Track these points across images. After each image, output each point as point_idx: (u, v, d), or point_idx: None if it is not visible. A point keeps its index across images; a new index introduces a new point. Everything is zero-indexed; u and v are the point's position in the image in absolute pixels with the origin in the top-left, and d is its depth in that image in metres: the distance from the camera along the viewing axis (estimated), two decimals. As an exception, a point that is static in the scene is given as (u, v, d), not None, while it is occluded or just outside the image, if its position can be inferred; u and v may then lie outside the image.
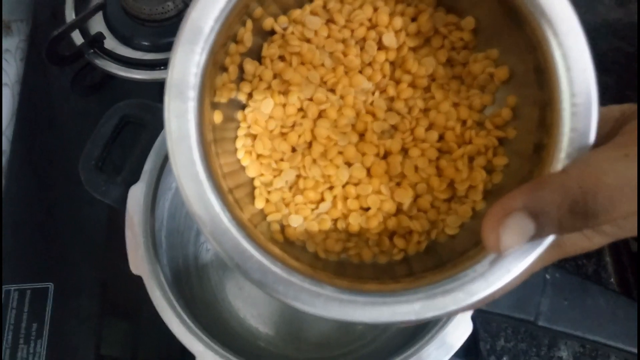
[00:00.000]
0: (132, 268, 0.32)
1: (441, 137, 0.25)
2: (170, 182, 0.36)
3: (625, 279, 0.41)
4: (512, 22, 0.22)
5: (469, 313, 0.30)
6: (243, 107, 0.26)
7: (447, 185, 0.25)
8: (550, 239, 0.20)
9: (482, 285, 0.20)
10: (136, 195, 0.33)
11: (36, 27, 0.53)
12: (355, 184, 0.25)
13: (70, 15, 0.49)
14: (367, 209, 0.25)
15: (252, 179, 0.26)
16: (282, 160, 0.26)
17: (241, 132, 0.26)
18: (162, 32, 0.47)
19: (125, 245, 0.32)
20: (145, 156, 0.35)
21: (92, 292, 0.41)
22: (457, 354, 0.30)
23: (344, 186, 0.25)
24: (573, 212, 0.18)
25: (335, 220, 0.25)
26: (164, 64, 0.46)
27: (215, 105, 0.24)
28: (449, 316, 0.20)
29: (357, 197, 0.25)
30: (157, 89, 0.47)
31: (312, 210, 0.25)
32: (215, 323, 0.37)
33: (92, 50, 0.47)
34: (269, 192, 0.25)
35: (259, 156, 0.26)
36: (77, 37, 0.47)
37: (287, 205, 0.25)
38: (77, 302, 0.40)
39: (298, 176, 0.26)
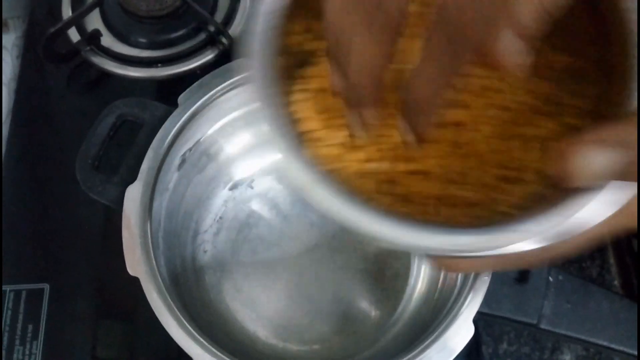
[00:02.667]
0: (129, 269, 0.31)
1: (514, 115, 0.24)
2: (167, 181, 0.36)
3: (628, 281, 0.40)
4: None
5: (471, 316, 0.30)
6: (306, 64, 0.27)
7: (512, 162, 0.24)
8: (634, 191, 0.19)
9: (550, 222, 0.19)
10: (133, 195, 0.33)
11: (33, 24, 0.52)
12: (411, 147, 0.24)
13: (67, 12, 0.49)
14: (426, 172, 0.24)
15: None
16: (338, 117, 0.25)
17: (301, 87, 0.26)
18: (160, 29, 0.47)
19: (122, 246, 0.32)
20: (143, 155, 0.34)
21: (88, 293, 0.40)
22: (458, 358, 0.29)
23: (398, 147, 0.24)
24: None
25: (389, 182, 0.24)
26: (161, 62, 0.45)
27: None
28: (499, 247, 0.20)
29: (413, 159, 0.24)
30: (155, 87, 0.46)
31: (365, 169, 0.25)
32: (213, 325, 0.36)
33: (88, 48, 0.46)
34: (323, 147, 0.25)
35: (317, 112, 0.26)
36: (74, 34, 0.47)
37: (340, 162, 0.25)
38: (73, 303, 0.40)
39: (352, 135, 0.25)
